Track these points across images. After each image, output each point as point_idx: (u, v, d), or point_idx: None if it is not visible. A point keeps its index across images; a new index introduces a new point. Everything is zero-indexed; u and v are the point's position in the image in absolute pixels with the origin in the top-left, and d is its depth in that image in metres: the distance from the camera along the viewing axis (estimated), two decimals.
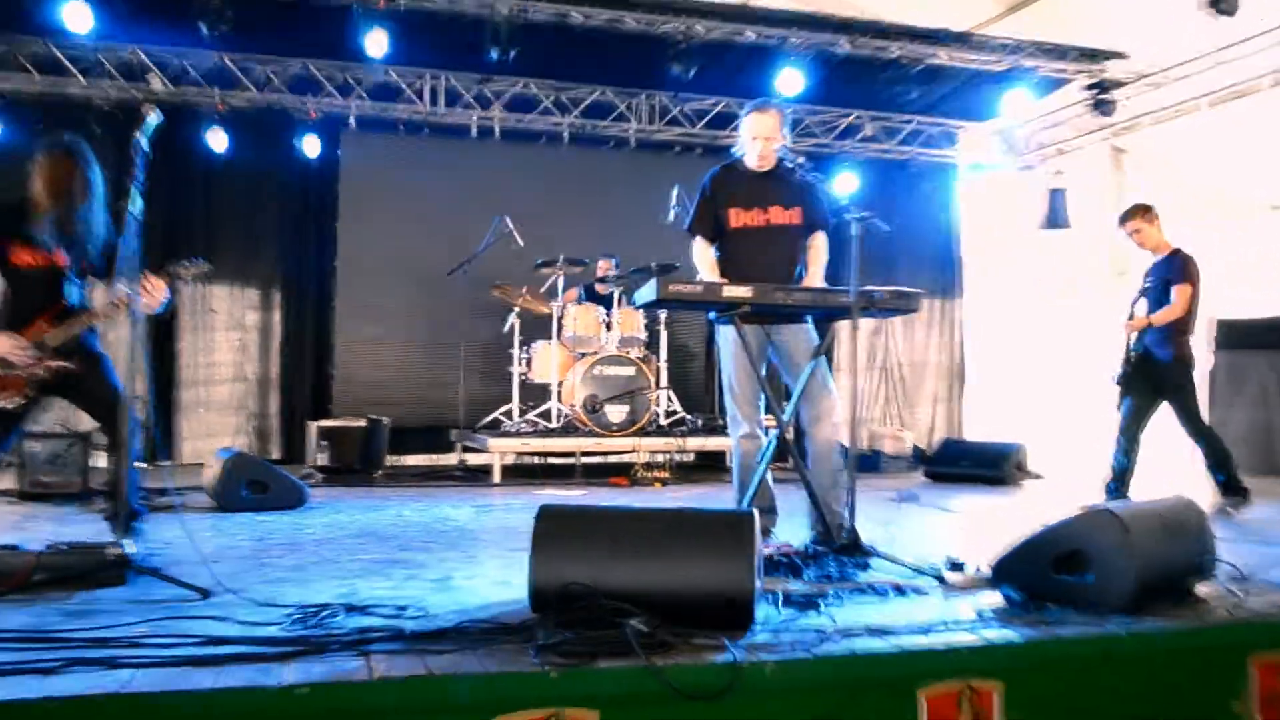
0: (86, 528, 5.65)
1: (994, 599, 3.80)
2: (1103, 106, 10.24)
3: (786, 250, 5.35)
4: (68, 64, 9.65)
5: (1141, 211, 7.11)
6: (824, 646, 3.11)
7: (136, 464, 4.69)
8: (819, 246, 5.42)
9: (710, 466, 10.28)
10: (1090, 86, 10.30)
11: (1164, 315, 6.90)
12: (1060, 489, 8.69)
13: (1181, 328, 6.93)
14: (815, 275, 5.33)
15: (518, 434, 9.26)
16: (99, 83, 9.75)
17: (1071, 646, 3.31)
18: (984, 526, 6.37)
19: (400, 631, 3.21)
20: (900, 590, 3.99)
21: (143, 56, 9.80)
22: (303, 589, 4.04)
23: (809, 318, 5.16)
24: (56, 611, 3.54)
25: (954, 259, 12.64)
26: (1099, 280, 11.15)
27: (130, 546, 4.05)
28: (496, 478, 8.84)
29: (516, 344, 9.87)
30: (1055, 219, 11.17)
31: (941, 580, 4.19)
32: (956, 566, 4.26)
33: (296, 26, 9.64)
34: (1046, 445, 10.03)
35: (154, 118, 4.40)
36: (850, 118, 11.68)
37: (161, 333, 10.10)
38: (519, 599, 3.63)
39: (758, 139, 5.25)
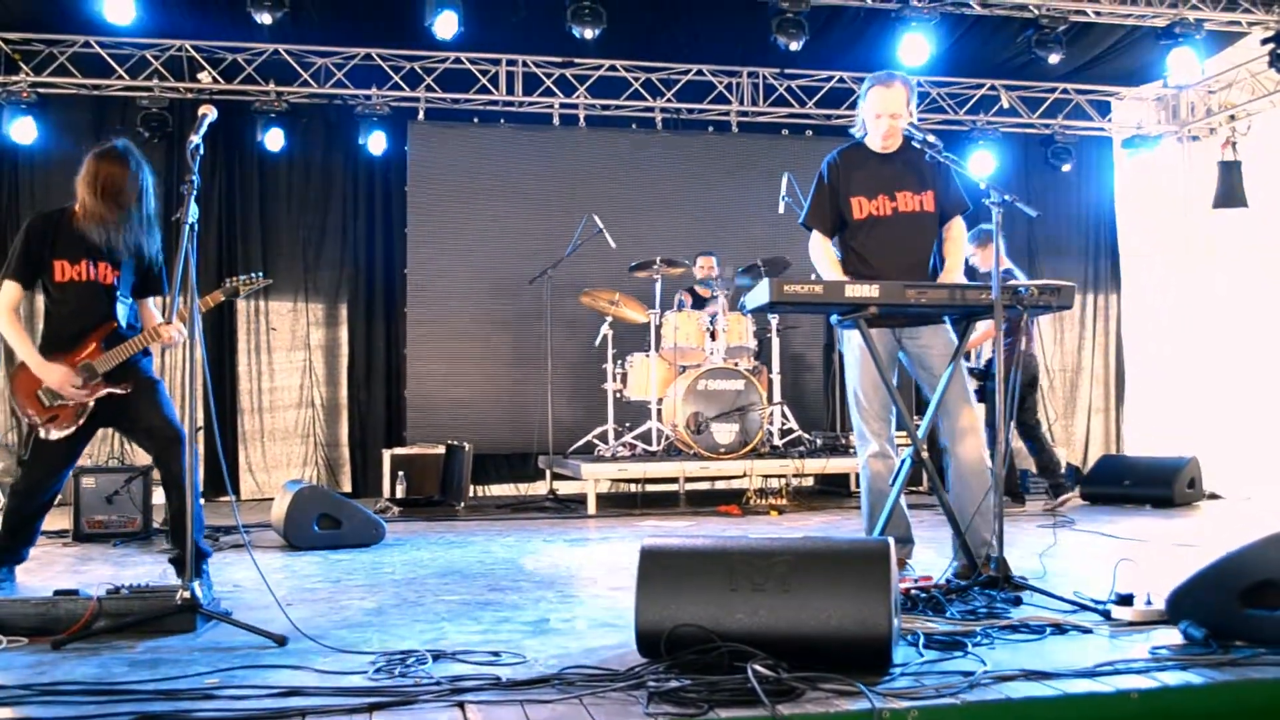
0: (146, 569, 5.86)
1: (1170, 637, 3.74)
2: None
3: (919, 241, 5.30)
4: (112, 63, 10.04)
5: (974, 237, 7.97)
6: (974, 692, 3.10)
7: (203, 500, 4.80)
8: (957, 235, 5.37)
9: (832, 492, 10.25)
10: (1268, 40, 10.04)
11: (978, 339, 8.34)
12: (1242, 510, 8.46)
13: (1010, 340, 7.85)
14: (953, 269, 5.29)
15: (614, 459, 9.33)
16: (145, 82, 10.13)
17: (1266, 691, 3.24)
18: (1154, 554, 6.24)
19: (496, 679, 3.29)
20: (1060, 628, 3.95)
21: (192, 51, 10.16)
22: (385, 634, 4.14)
23: (947, 318, 5.13)
24: (121, 661, 3.68)
25: (1110, 247, 12.42)
26: None
27: (198, 590, 4.17)
28: (591, 508, 8.91)
29: (610, 357, 9.93)
30: (1229, 197, 10.92)
31: (1107, 616, 4.13)
32: (1124, 600, 4.18)
33: (358, 12, 9.91)
34: (1224, 460, 9.79)
35: (211, 115, 4.45)
36: (984, 89, 11.59)
37: (218, 354, 10.42)
38: (624, 643, 3.70)
39: (881, 116, 5.21)
